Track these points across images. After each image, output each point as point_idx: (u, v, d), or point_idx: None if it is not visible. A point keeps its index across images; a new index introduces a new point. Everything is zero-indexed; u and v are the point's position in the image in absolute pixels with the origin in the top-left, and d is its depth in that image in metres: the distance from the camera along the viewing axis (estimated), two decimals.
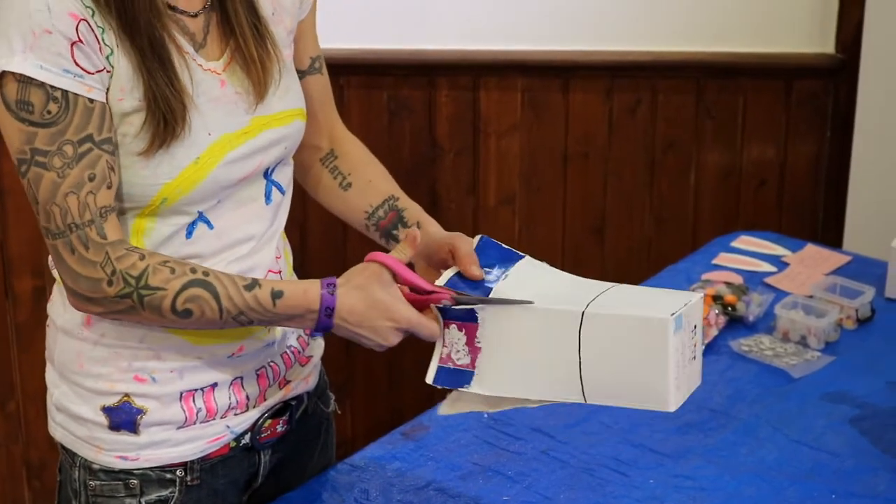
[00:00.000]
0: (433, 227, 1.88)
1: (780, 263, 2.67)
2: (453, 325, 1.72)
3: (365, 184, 1.94)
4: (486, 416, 2.11)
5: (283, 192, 1.83)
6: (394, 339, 1.70)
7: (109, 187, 1.63)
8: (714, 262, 2.68)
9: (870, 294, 2.45)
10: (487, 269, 1.75)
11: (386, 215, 1.91)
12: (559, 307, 1.68)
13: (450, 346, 1.73)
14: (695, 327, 1.67)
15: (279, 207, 1.84)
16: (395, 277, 1.71)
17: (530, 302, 1.69)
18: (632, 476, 2.00)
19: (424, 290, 1.71)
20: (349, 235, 3.47)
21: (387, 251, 1.76)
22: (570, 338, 1.66)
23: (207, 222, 1.74)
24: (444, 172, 3.45)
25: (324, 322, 1.69)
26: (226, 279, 1.67)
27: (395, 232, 1.90)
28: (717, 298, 2.44)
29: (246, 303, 1.66)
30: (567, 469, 2.02)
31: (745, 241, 2.76)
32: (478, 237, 1.79)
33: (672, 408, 1.63)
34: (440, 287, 1.71)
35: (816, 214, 3.51)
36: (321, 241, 3.48)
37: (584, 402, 1.67)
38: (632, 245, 3.54)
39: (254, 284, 1.67)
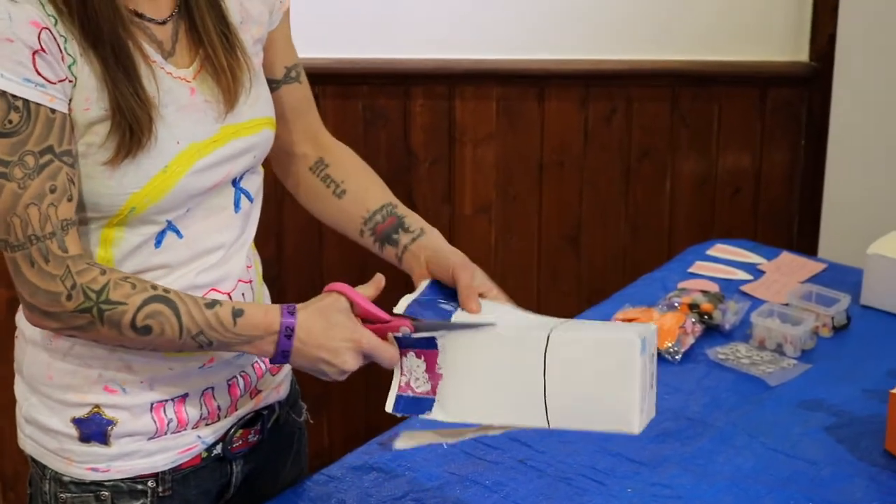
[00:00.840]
0: (435, 235, 1.87)
1: (756, 271, 2.68)
2: (411, 353, 1.72)
3: (361, 191, 1.93)
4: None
5: (251, 201, 1.82)
6: (352, 363, 1.69)
7: (70, 200, 1.62)
8: (690, 270, 2.68)
9: (845, 302, 2.46)
10: (443, 301, 1.75)
11: (384, 220, 1.89)
12: (523, 332, 1.69)
13: (408, 374, 1.73)
14: (653, 356, 1.68)
15: (248, 216, 1.83)
16: (353, 308, 1.71)
17: (492, 324, 1.69)
18: (609, 485, 2.00)
19: (382, 320, 1.71)
20: (325, 245, 3.47)
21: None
22: (534, 362, 1.66)
23: (177, 231, 1.73)
24: (419, 181, 3.45)
25: (283, 344, 1.67)
26: (187, 297, 1.66)
27: (395, 236, 1.88)
28: (693, 307, 2.44)
29: (206, 321, 1.65)
30: (544, 478, 2.01)
31: (720, 250, 2.77)
32: (425, 281, 1.79)
33: (637, 430, 1.64)
34: (399, 315, 1.71)
35: (792, 222, 3.52)
36: (297, 251, 3.48)
37: (547, 427, 1.67)
38: (607, 254, 3.55)
39: (215, 303, 1.66)
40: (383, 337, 1.71)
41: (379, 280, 1.75)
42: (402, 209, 1.91)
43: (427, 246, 1.84)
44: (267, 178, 1.95)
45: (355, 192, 1.93)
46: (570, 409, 1.67)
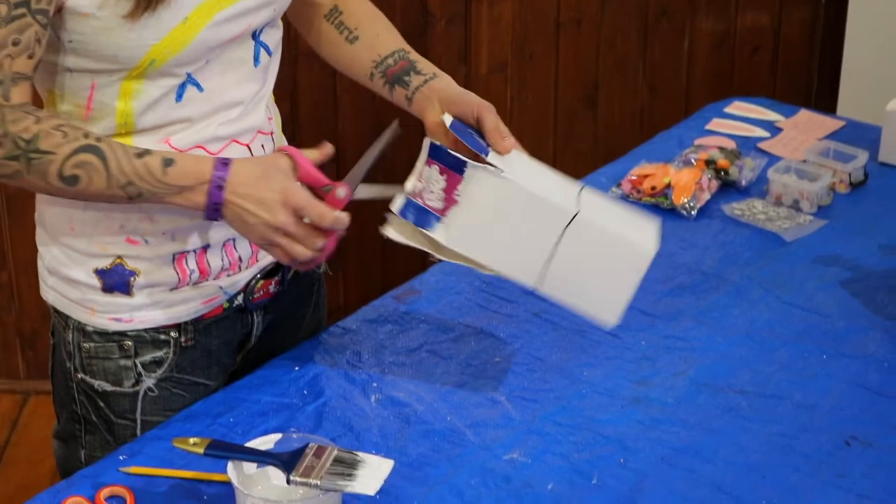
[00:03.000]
0: (448, 79, 1.86)
1: (774, 129, 2.66)
2: (435, 166, 1.71)
3: (373, 37, 1.92)
4: (477, 280, 2.11)
5: (270, 55, 1.81)
6: (281, 217, 1.65)
7: (31, 57, 1.59)
8: (707, 127, 2.66)
9: (863, 158, 2.44)
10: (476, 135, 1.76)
11: (396, 63, 1.88)
12: (554, 200, 1.70)
13: (425, 184, 1.72)
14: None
15: (267, 70, 1.82)
16: (297, 171, 1.69)
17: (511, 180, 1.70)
18: (623, 337, 2.01)
19: (322, 184, 1.70)
20: (340, 104, 3.45)
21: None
22: (553, 231, 1.69)
23: (197, 84, 1.72)
24: (435, 40, 3.41)
25: (214, 195, 1.64)
26: (117, 146, 1.63)
27: (405, 78, 1.86)
28: (709, 163, 2.43)
29: (135, 170, 1.62)
30: (559, 331, 2.02)
31: (738, 107, 2.74)
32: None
33: (613, 323, 1.77)
34: (337, 182, 1.70)
35: (810, 80, 3.49)
36: (312, 110, 3.46)
37: (535, 289, 1.73)
38: (624, 113, 3.52)
39: (145, 152, 1.64)
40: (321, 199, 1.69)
41: (326, 147, 1.73)
42: (415, 55, 1.90)
43: (440, 89, 1.83)
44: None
45: (368, 37, 1.91)
46: (565, 282, 1.74)
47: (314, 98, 3.44)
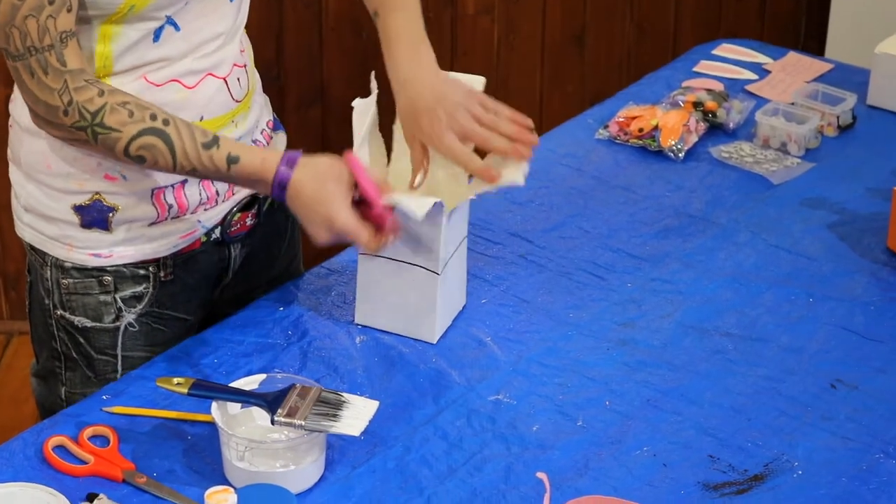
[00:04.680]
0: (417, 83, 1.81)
1: (762, 71, 2.64)
2: None
3: None
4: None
5: None
6: (323, 235, 1.68)
7: (69, 10, 1.59)
8: (695, 69, 2.64)
9: (851, 101, 2.43)
10: None
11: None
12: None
13: None
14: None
15: (241, 3, 1.81)
16: (357, 188, 1.69)
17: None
18: (609, 280, 2.00)
19: (375, 205, 1.70)
20: (325, 45, 3.42)
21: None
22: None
23: (174, 24, 1.70)
24: None
25: (277, 195, 1.68)
26: (185, 132, 1.64)
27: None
28: (697, 105, 2.41)
29: (201, 161, 1.65)
30: (544, 273, 2.01)
31: (726, 49, 2.72)
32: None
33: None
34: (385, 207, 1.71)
35: (799, 22, 3.47)
36: (297, 51, 3.42)
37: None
38: (612, 54, 3.50)
39: (213, 143, 1.65)
40: (366, 218, 1.69)
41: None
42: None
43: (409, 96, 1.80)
44: None
45: None
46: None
47: (300, 38, 3.40)
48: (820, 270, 2.03)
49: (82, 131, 1.62)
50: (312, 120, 3.33)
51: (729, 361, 1.84)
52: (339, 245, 2.13)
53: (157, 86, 1.71)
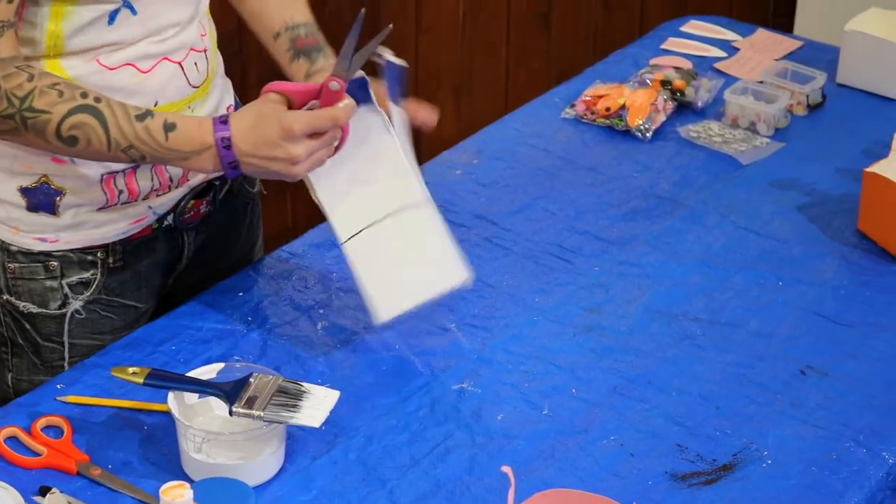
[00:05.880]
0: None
1: (731, 49, 2.60)
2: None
3: (288, 1, 1.85)
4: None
5: None
6: (295, 149, 1.61)
7: (10, 2, 1.54)
8: (662, 46, 2.60)
9: (821, 80, 2.39)
10: None
11: (307, 36, 1.82)
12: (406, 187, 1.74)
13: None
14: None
15: None
16: (291, 102, 1.64)
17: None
18: (576, 263, 1.96)
19: (313, 91, 1.65)
20: None
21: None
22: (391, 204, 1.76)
23: (131, 8, 1.65)
24: None
25: (225, 156, 1.61)
26: (117, 107, 1.59)
27: (314, 55, 1.81)
28: (665, 84, 2.37)
29: (136, 134, 1.59)
30: (510, 256, 1.98)
31: (694, 26, 2.69)
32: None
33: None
34: (328, 77, 1.65)
35: None
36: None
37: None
38: (578, 31, 3.46)
39: (147, 114, 1.59)
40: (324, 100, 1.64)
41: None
42: (324, 40, 1.84)
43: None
44: None
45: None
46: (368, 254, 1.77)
47: None
48: (790, 253, 2.00)
49: (11, 119, 1.56)
50: None
51: (697, 347, 1.81)
52: (299, 229, 2.10)
53: (111, 69, 1.65)
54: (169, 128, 1.60)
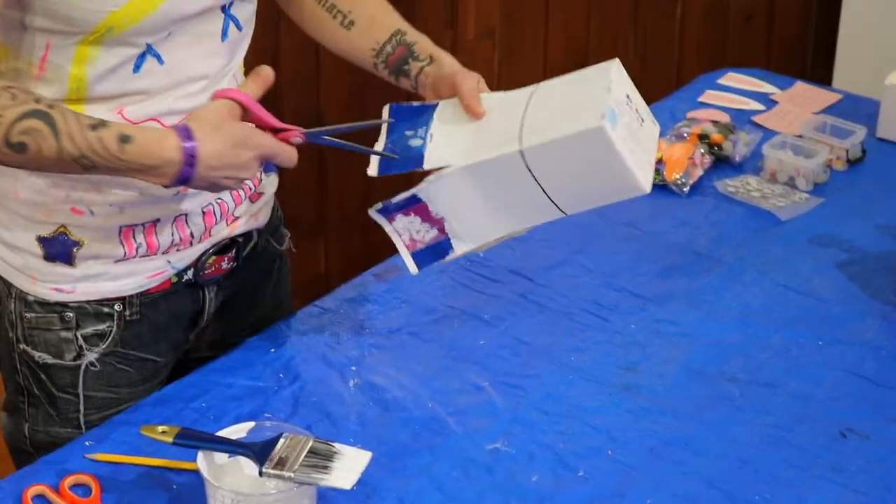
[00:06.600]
0: (447, 59, 1.80)
1: (769, 101, 2.58)
2: (399, 215, 1.69)
3: (368, 20, 1.84)
4: (462, 258, 2.04)
5: (240, 29, 1.72)
6: (255, 169, 1.61)
7: None
8: (700, 99, 2.58)
9: (861, 134, 2.37)
10: (410, 132, 1.71)
11: (394, 50, 1.81)
12: (496, 154, 1.65)
13: (406, 232, 1.70)
14: (627, 97, 1.66)
15: (237, 45, 1.73)
16: (245, 114, 1.62)
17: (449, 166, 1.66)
18: (612, 321, 1.94)
19: (274, 128, 1.63)
20: (322, 67, 3.37)
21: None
22: (521, 173, 1.64)
23: (157, 56, 1.63)
24: (421, 4, 3.33)
25: (185, 172, 1.56)
26: (70, 115, 1.53)
27: (406, 67, 1.81)
28: (702, 137, 2.35)
29: (88, 144, 1.52)
30: (545, 313, 1.95)
31: (732, 79, 2.67)
32: (386, 107, 1.76)
33: (647, 188, 1.65)
34: (289, 125, 1.64)
35: (806, 50, 3.42)
36: (294, 74, 3.37)
37: (565, 215, 1.69)
38: None
39: (101, 124, 1.54)
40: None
41: (265, 74, 1.65)
42: (413, 35, 1.83)
43: (433, 73, 1.78)
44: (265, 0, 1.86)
45: (362, 22, 1.84)
46: (577, 196, 1.68)
47: (296, 62, 3.35)
48: (829, 312, 1.97)
49: None
50: (308, 145, 3.27)
51: (735, 409, 1.77)
52: (332, 283, 2.08)
53: (135, 123, 1.63)
54: (124, 139, 1.54)
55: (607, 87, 1.62)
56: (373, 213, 1.70)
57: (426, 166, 1.67)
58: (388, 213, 1.69)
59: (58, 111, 1.53)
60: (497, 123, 1.69)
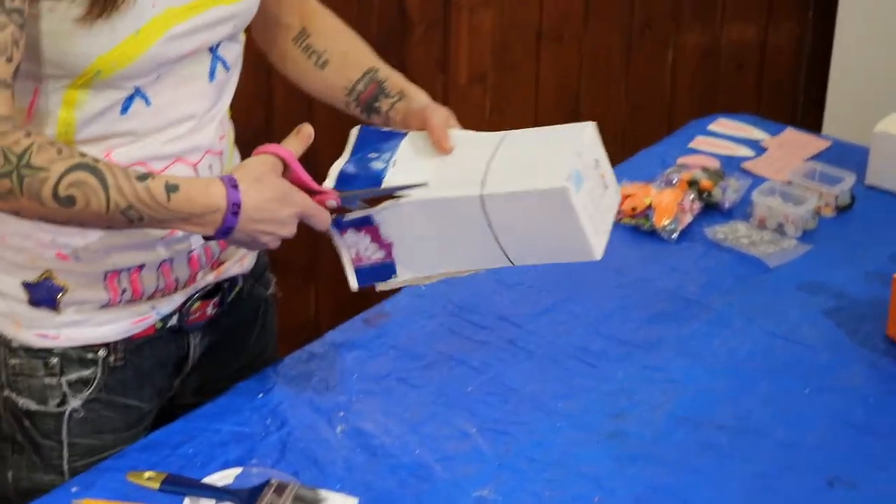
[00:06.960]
0: (418, 94, 1.82)
1: (759, 148, 2.59)
2: (350, 230, 1.70)
3: (341, 58, 1.86)
4: (450, 304, 2.05)
5: (228, 69, 1.73)
6: (293, 227, 1.62)
7: (9, 61, 1.49)
8: (690, 145, 2.59)
9: (850, 181, 2.38)
10: (374, 155, 1.72)
11: (366, 88, 1.83)
12: (455, 193, 1.65)
13: (354, 247, 1.71)
14: (596, 161, 1.67)
15: (224, 86, 1.74)
16: (286, 171, 1.63)
17: (424, 184, 1.66)
18: (600, 367, 1.94)
19: (311, 190, 1.65)
20: (315, 111, 3.37)
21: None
22: (477, 217, 1.64)
23: (145, 98, 1.63)
24: (413, 47, 3.34)
25: (229, 221, 1.57)
26: (116, 168, 1.53)
27: (376, 105, 1.82)
28: (692, 184, 2.36)
29: (136, 194, 1.52)
30: (533, 360, 1.95)
31: (722, 125, 2.68)
32: (356, 129, 1.77)
33: (598, 255, 1.64)
34: (327, 188, 1.67)
35: (796, 98, 3.43)
36: (286, 118, 3.38)
37: (512, 265, 1.69)
38: (606, 129, 3.41)
39: (147, 175, 1.54)
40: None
41: (306, 132, 1.68)
42: (384, 71, 1.84)
43: (403, 110, 1.80)
44: (254, 42, 1.87)
45: (336, 61, 1.86)
46: (529, 250, 1.68)
47: (288, 105, 3.36)
48: (817, 359, 1.97)
49: (6, 178, 1.47)
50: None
51: (723, 456, 1.77)
52: (322, 328, 2.08)
53: (123, 166, 1.63)
54: (171, 188, 1.54)
55: (578, 150, 1.64)
56: (328, 184, 1.71)
57: (383, 186, 1.69)
58: (341, 227, 1.69)
59: (104, 164, 1.52)
60: (462, 163, 1.70)
